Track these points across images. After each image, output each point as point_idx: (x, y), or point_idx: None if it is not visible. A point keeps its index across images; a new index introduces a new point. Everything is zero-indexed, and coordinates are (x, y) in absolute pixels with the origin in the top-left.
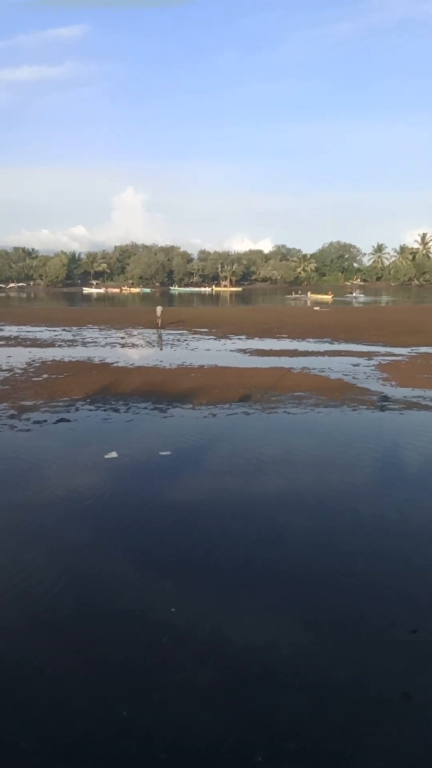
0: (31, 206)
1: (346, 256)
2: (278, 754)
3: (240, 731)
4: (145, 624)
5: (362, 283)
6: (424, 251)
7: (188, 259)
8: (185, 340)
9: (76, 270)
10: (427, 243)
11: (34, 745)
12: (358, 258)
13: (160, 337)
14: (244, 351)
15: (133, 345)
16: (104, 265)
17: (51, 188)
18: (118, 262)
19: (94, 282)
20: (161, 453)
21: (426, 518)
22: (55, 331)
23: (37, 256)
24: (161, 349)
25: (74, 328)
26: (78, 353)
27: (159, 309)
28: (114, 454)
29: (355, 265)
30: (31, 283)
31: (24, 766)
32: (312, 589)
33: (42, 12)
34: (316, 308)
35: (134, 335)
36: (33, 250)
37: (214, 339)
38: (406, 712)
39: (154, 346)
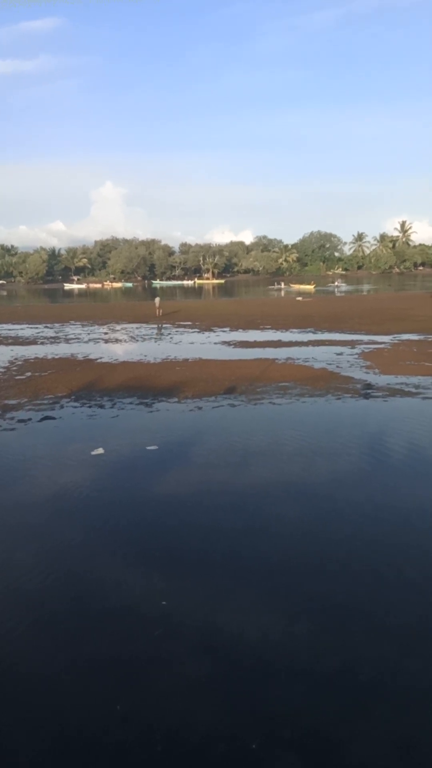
0: (7, 202)
1: (327, 245)
2: (274, 741)
3: (235, 720)
4: (137, 618)
5: (344, 273)
6: (404, 239)
7: (170, 252)
8: (169, 333)
9: (57, 266)
10: (406, 231)
11: (27, 740)
12: (339, 247)
13: (159, 328)
14: (228, 343)
15: (117, 340)
16: (85, 260)
17: (27, 184)
18: (99, 257)
19: (75, 277)
20: (148, 448)
21: (413, 503)
22: (37, 328)
23: (17, 253)
24: (160, 339)
25: (56, 324)
26: (61, 350)
27: (157, 300)
28: (100, 451)
29: (336, 254)
30: (11, 280)
31: (18, 762)
32: (302, 578)
33: (13, 5)
34: (299, 298)
35: (117, 330)
36: (12, 246)
37: (198, 332)
38: (398, 696)
39: (137, 340)
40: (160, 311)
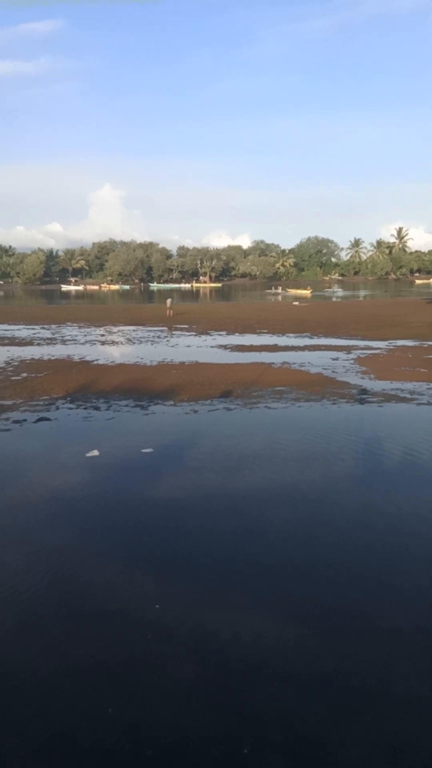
0: (5, 203)
1: (324, 250)
2: (265, 745)
3: (226, 725)
4: (130, 621)
5: (340, 278)
6: (400, 245)
7: (167, 255)
8: (165, 336)
9: (54, 267)
10: (403, 237)
11: (17, 744)
12: (335, 253)
13: (170, 329)
14: (224, 347)
15: (114, 342)
16: (82, 262)
17: (26, 185)
18: (97, 259)
19: (73, 279)
20: (143, 450)
21: (406, 508)
22: (33, 329)
23: (14, 254)
24: (170, 338)
25: (53, 326)
26: (57, 351)
27: (169, 301)
28: (95, 453)
29: (333, 259)
30: (9, 281)
31: (7, 765)
32: (295, 582)
33: (14, 6)
34: (296, 303)
35: (114, 333)
36: (9, 247)
37: (195, 335)
38: (389, 700)
39: (134, 343)
40: (171, 312)
